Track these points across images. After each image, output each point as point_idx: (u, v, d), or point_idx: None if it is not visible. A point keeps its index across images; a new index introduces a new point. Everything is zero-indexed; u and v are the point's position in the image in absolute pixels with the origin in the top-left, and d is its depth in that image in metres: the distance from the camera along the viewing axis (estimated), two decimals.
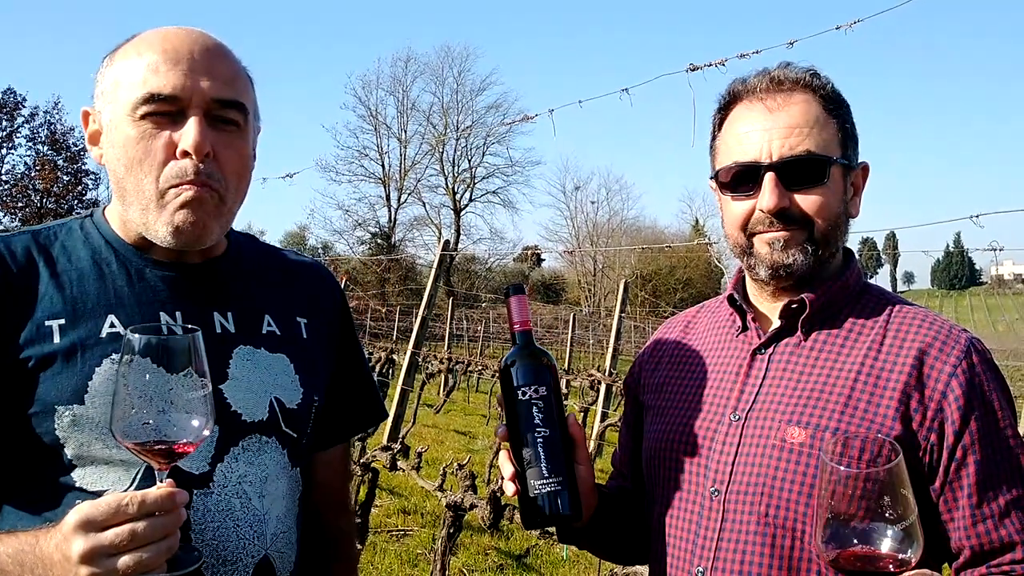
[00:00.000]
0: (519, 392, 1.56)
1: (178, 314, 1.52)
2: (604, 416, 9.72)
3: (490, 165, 60.32)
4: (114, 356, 1.42)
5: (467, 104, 60.81)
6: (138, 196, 1.47)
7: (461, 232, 58.25)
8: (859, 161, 1.67)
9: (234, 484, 1.50)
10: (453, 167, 59.70)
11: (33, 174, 39.43)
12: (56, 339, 1.43)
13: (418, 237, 59.19)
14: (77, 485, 1.42)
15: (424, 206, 59.59)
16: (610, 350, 10.52)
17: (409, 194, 58.96)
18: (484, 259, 61.24)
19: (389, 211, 58.09)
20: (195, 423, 1.26)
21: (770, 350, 1.64)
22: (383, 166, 58.41)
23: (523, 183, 72.89)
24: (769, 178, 1.57)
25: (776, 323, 1.65)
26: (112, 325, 1.46)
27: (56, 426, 1.40)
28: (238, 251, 1.69)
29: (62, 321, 1.45)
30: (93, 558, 1.17)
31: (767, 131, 1.59)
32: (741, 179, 1.61)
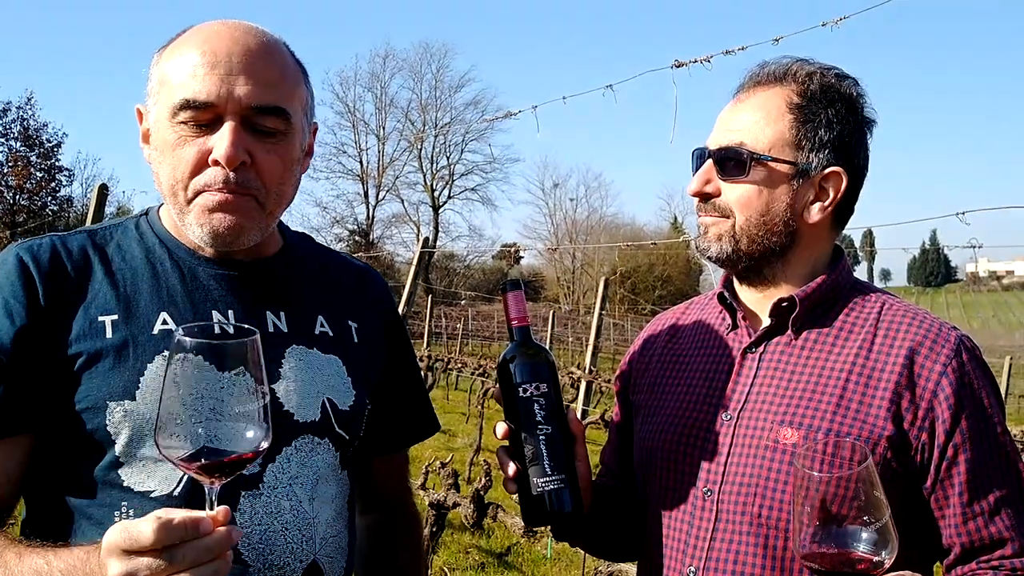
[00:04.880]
0: (520, 389, 1.55)
1: (231, 312, 1.52)
2: (584, 414, 9.71)
3: (469, 162, 60.20)
4: (166, 353, 1.40)
5: (446, 101, 60.70)
6: (173, 200, 1.48)
7: (440, 229, 58.07)
8: (822, 166, 1.58)
9: (284, 486, 1.48)
10: (432, 164, 59.59)
11: (5, 170, 38.89)
12: (108, 334, 1.43)
13: (396, 234, 58.95)
14: (124, 484, 1.41)
15: (403, 203, 59.42)
16: (590, 348, 10.49)
17: (387, 191, 58.80)
18: (463, 256, 61.23)
19: (367, 208, 57.85)
20: (249, 434, 1.15)
21: (760, 348, 1.63)
22: (361, 163, 58.17)
23: (502, 180, 72.82)
24: (707, 164, 1.63)
25: (766, 321, 1.64)
26: (164, 322, 1.47)
27: (107, 421, 1.39)
28: (292, 251, 1.68)
29: (115, 317, 1.45)
30: None
31: (721, 122, 1.65)
32: (697, 161, 1.67)
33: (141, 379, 1.41)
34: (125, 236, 1.56)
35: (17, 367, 1.39)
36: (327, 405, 1.56)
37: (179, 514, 1.10)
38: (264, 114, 1.45)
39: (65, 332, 1.42)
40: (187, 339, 1.14)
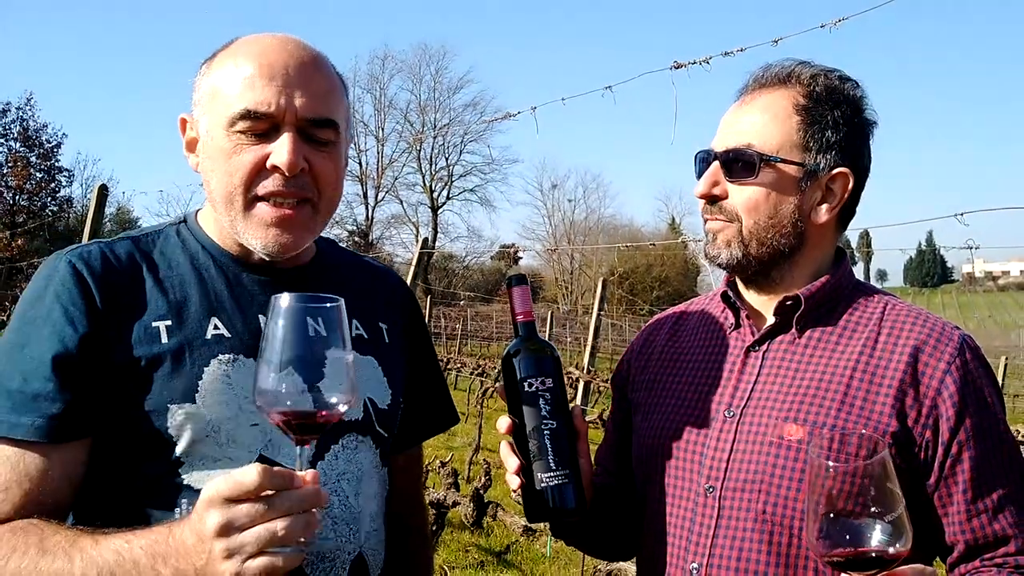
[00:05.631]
0: (525, 384, 1.55)
1: (291, 341, 1.55)
2: (583, 414, 9.73)
3: (468, 163, 60.21)
4: (221, 356, 1.48)
5: (444, 102, 60.70)
6: (228, 207, 1.51)
7: (439, 230, 58.04)
8: (830, 167, 1.60)
9: (333, 482, 1.54)
10: (431, 165, 59.56)
11: (5, 171, 38.81)
12: (164, 339, 1.47)
13: (395, 235, 58.92)
14: (184, 482, 1.45)
15: (402, 204, 59.42)
16: (588, 348, 10.49)
17: (386, 192, 58.79)
18: (462, 257, 61.17)
19: (366, 209, 57.83)
20: (334, 398, 1.22)
21: (764, 347, 1.64)
22: (360, 164, 58.12)
23: (501, 181, 72.93)
24: (714, 166, 1.62)
25: (770, 320, 1.65)
26: (216, 327, 1.51)
27: (169, 424, 1.44)
28: (323, 258, 1.73)
29: (168, 323, 1.49)
30: (227, 531, 1.15)
31: (726, 124, 1.65)
32: (701, 163, 1.67)
33: (199, 383, 1.46)
34: (167, 243, 1.60)
35: (82, 373, 1.42)
36: (368, 404, 1.63)
37: (288, 470, 1.18)
38: (318, 126, 1.50)
39: (122, 337, 1.46)
40: (289, 297, 1.23)
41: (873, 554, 1.24)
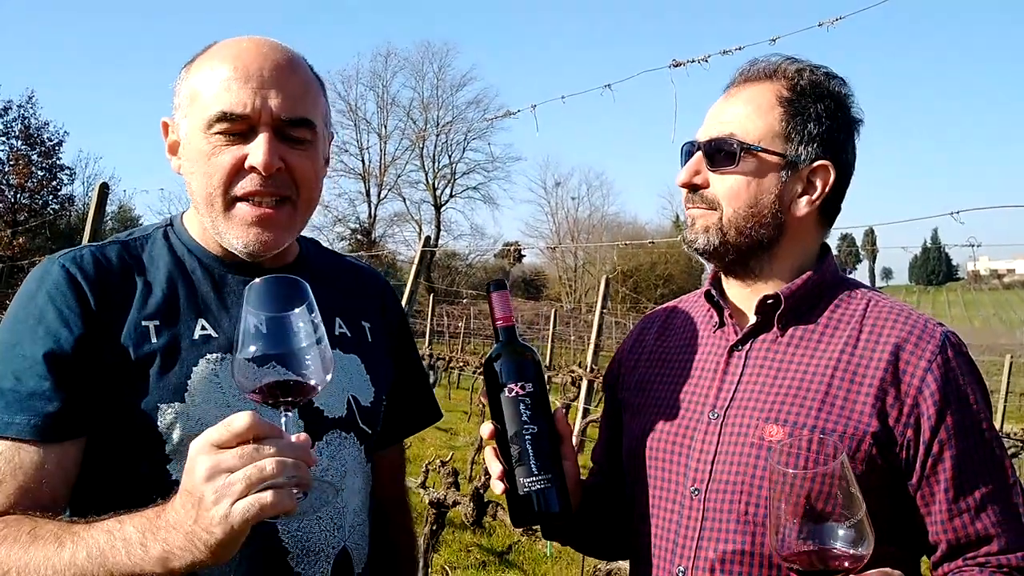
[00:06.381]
0: (505, 389, 1.55)
1: (262, 316, 1.57)
2: (586, 412, 9.70)
3: (471, 161, 60.30)
4: (209, 356, 1.51)
5: (447, 100, 60.80)
6: (209, 208, 1.55)
7: (442, 228, 58.12)
8: (811, 159, 1.60)
9: (317, 478, 1.54)
10: (433, 163, 59.62)
11: (7, 169, 38.90)
12: (153, 339, 1.51)
13: (398, 233, 59.08)
14: (173, 477, 1.48)
15: (404, 202, 59.56)
16: (591, 346, 10.49)
17: (389, 190, 58.87)
18: (465, 255, 61.27)
19: (369, 207, 58.00)
20: (311, 368, 1.25)
21: (747, 346, 1.63)
22: (363, 162, 58.33)
23: (504, 179, 73.06)
24: (696, 156, 1.64)
25: (752, 319, 1.64)
26: (203, 328, 1.56)
27: (159, 423, 1.47)
28: (307, 257, 1.77)
29: (157, 323, 1.53)
30: (216, 474, 1.16)
31: (711, 116, 1.66)
32: (686, 155, 1.68)
33: (188, 382, 1.50)
34: (154, 246, 1.64)
35: (77, 374, 1.45)
36: (351, 402, 1.66)
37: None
38: (294, 126, 1.54)
39: (114, 338, 1.49)
40: (259, 280, 1.28)
41: (835, 558, 1.24)
